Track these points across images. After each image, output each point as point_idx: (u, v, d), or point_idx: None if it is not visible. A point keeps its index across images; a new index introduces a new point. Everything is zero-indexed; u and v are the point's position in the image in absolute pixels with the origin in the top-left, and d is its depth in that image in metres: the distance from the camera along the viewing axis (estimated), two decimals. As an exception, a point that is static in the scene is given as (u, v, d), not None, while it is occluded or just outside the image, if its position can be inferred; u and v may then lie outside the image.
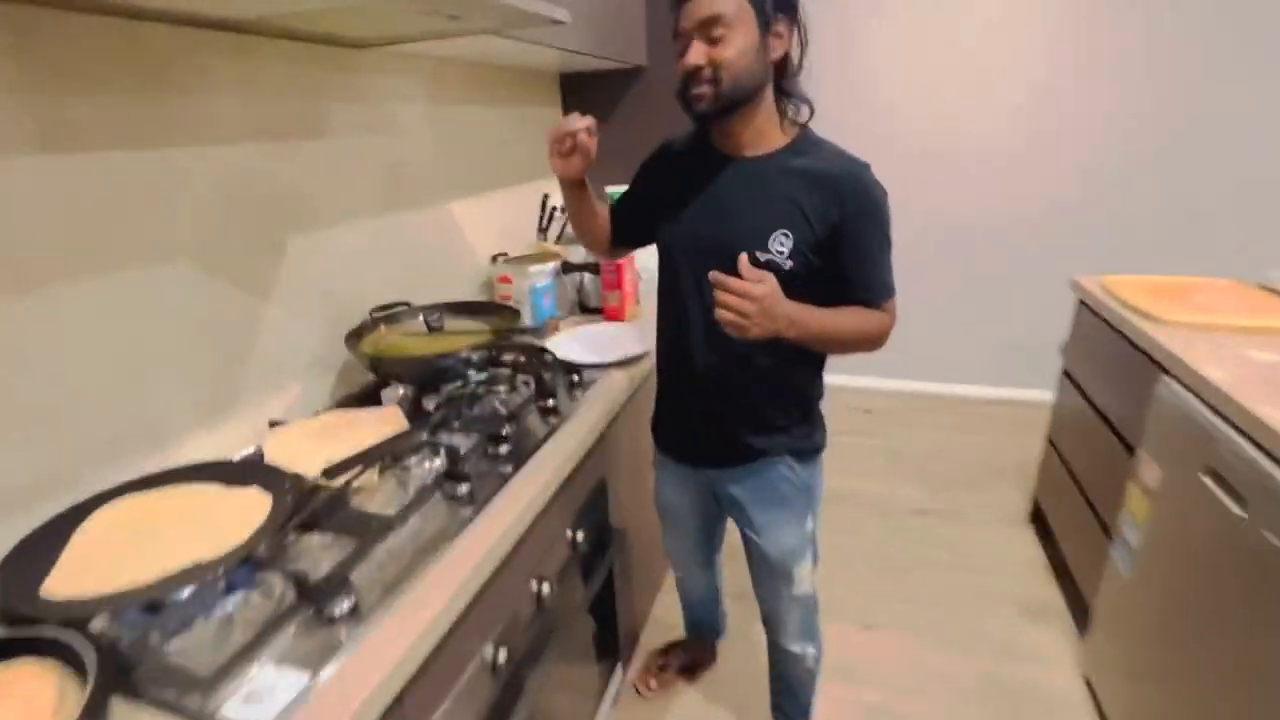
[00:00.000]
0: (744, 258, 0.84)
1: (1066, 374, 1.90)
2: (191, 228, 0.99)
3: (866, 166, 0.94)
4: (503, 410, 1.18)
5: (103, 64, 0.86)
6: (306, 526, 0.84)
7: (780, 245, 0.93)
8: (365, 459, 0.89)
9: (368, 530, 0.82)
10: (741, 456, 1.09)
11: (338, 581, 0.70)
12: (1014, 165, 2.69)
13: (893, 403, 3.04)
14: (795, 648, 1.26)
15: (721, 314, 0.83)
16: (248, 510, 0.80)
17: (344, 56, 1.28)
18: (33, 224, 0.80)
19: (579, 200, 1.11)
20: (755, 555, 1.19)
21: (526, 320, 1.54)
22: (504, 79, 1.87)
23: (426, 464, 1.00)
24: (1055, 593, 1.84)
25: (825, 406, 1.13)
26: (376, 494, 0.93)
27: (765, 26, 0.88)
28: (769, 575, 1.19)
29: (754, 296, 0.82)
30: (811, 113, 0.98)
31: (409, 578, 0.75)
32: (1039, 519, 2.10)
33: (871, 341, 0.98)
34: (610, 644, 1.42)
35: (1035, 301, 2.79)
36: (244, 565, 0.74)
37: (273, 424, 1.08)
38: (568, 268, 1.67)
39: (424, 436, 1.00)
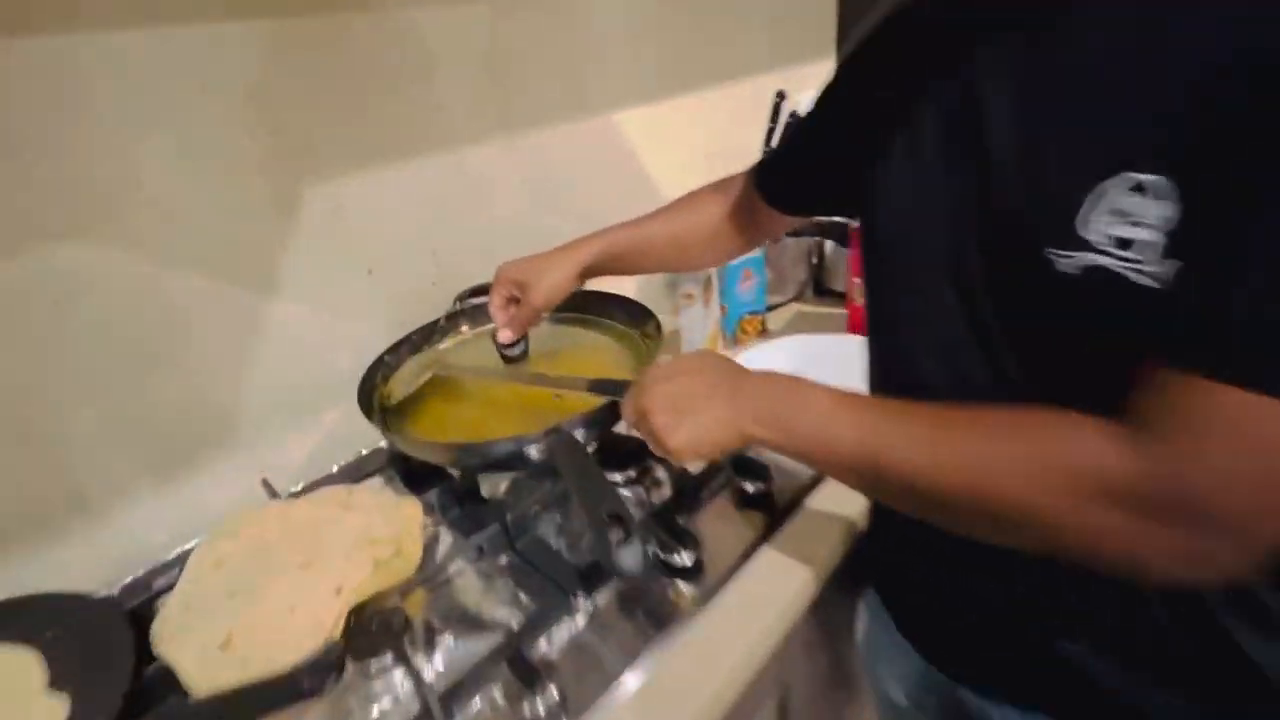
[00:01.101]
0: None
1: None
2: (140, 183, 0.60)
3: None
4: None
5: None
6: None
7: (1114, 222, 0.29)
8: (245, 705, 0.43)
9: None
10: (1037, 680, 0.45)
11: None
12: None
13: None
14: None
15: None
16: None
17: None
18: None
19: (628, 266, 0.70)
20: None
21: (692, 325, 0.89)
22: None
23: (398, 685, 0.51)
24: None
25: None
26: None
27: None
28: None
29: (630, 399, 0.48)
30: None
31: None
32: None
33: (1033, 515, 0.32)
34: None
35: None
36: None
37: (268, 489, 0.69)
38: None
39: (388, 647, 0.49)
